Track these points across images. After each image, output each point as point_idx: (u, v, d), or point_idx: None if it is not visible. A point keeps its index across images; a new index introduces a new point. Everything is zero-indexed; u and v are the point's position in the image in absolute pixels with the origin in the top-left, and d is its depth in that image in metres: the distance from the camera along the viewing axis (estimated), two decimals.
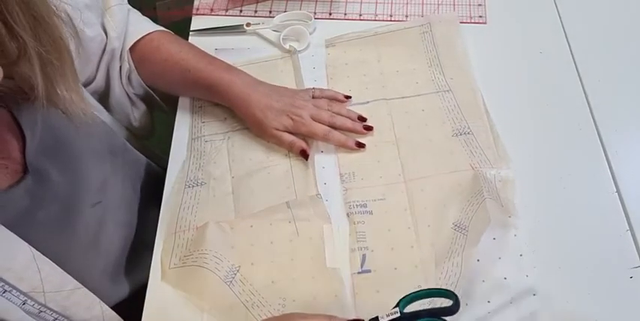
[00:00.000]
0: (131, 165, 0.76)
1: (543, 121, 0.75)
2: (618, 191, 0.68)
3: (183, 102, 0.81)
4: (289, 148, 0.73)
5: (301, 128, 0.72)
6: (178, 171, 0.75)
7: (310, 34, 0.85)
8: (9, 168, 0.54)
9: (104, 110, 0.75)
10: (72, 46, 0.53)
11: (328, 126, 0.73)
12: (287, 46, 0.84)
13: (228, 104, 0.76)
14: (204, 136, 0.77)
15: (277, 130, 0.72)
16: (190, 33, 0.87)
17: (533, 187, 0.69)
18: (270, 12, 0.89)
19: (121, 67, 0.76)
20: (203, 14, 0.89)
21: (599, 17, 0.84)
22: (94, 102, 0.71)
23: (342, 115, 0.74)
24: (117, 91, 0.77)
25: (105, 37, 0.72)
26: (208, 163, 0.75)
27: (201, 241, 0.67)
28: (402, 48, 0.82)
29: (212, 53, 0.84)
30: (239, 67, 0.77)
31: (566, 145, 0.73)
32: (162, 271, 0.67)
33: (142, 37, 0.75)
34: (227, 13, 0.89)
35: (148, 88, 0.80)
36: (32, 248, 0.54)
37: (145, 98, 0.82)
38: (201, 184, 0.73)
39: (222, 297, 0.64)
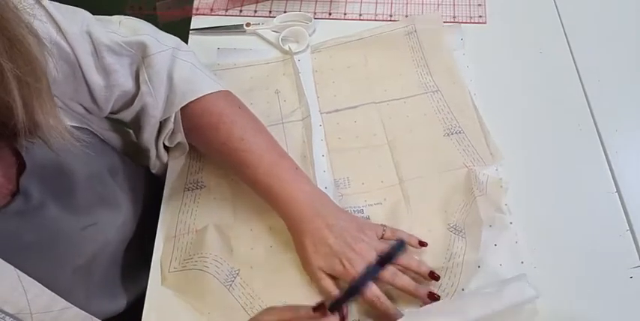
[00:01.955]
0: (132, 177, 0.72)
1: (543, 121, 0.75)
2: (618, 191, 0.68)
3: None
4: (321, 294, 0.63)
5: (348, 278, 0.59)
6: (177, 174, 0.75)
7: (310, 35, 0.85)
8: None
9: (104, 121, 0.70)
10: (50, 65, 0.50)
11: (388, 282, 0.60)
12: (286, 47, 0.83)
13: (280, 216, 0.65)
14: None
15: (321, 270, 0.61)
16: (190, 32, 0.87)
17: (533, 187, 0.69)
18: (270, 12, 0.89)
19: (162, 127, 0.67)
20: (203, 14, 0.89)
21: (599, 17, 0.84)
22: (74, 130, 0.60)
23: (410, 269, 0.61)
24: (144, 138, 0.69)
25: (133, 89, 0.64)
26: (208, 166, 0.74)
27: (201, 244, 0.67)
28: (388, 50, 0.82)
29: (214, 53, 0.84)
30: (239, 68, 0.76)
31: (566, 145, 0.72)
32: (162, 275, 0.67)
33: (206, 100, 0.65)
34: (227, 13, 0.89)
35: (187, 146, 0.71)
36: (17, 270, 0.52)
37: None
38: (201, 187, 0.73)
39: (223, 300, 0.64)
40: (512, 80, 0.78)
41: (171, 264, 0.67)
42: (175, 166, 0.76)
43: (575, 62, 0.79)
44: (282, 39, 0.84)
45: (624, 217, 0.66)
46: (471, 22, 0.85)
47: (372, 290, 0.59)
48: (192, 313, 0.64)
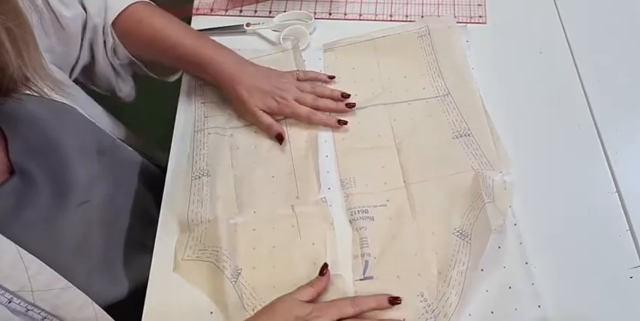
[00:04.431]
0: (121, 164, 0.76)
1: (543, 121, 0.75)
2: (618, 191, 0.69)
3: (184, 98, 0.81)
4: (266, 130, 0.75)
5: (285, 110, 0.75)
6: (183, 164, 0.75)
7: (310, 34, 0.85)
8: None
9: (96, 106, 0.76)
10: (33, 20, 0.54)
11: (312, 108, 0.75)
12: (287, 46, 0.83)
13: (214, 82, 0.77)
14: (207, 128, 0.77)
15: (261, 111, 0.74)
16: None
17: (533, 187, 0.69)
18: (270, 12, 0.89)
19: (105, 41, 0.76)
20: (203, 14, 0.89)
21: (599, 17, 0.84)
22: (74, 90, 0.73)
23: (325, 96, 0.76)
24: (101, 63, 0.77)
25: (85, 14, 0.72)
26: (213, 155, 0.75)
27: (214, 237, 0.67)
28: (400, 52, 0.82)
29: None
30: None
31: (566, 145, 0.73)
32: (175, 261, 0.68)
33: (123, 11, 0.75)
34: (227, 13, 0.89)
35: (134, 59, 0.79)
36: (18, 247, 0.54)
37: (130, 67, 0.82)
38: (207, 175, 0.73)
39: (229, 297, 0.64)
40: (512, 80, 0.79)
41: (186, 252, 0.68)
42: (176, 159, 0.76)
43: (575, 62, 0.79)
44: (283, 38, 0.84)
45: (624, 217, 0.67)
46: (471, 22, 0.85)
47: (304, 110, 0.75)
48: (193, 309, 0.64)
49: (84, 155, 0.66)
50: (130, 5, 0.75)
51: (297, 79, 0.78)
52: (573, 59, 0.80)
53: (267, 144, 0.75)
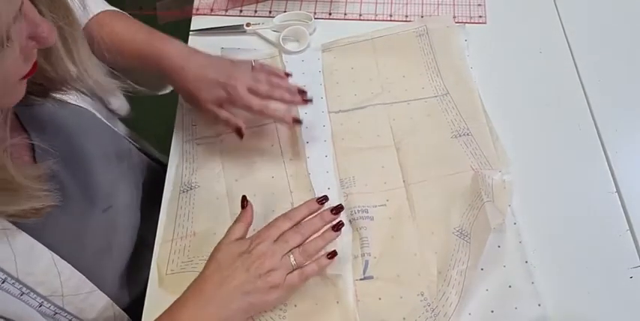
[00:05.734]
0: (136, 168, 0.76)
1: (543, 121, 0.75)
2: (618, 191, 0.68)
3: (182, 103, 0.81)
4: (225, 125, 0.70)
5: (236, 101, 0.68)
6: (174, 176, 0.75)
7: (310, 34, 0.85)
8: None
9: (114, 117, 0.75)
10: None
11: (266, 98, 0.69)
12: (287, 47, 0.83)
13: (163, 77, 0.72)
14: (196, 139, 0.77)
15: (213, 104, 0.68)
16: (190, 33, 0.87)
17: (533, 187, 0.69)
18: (270, 12, 0.89)
19: None
20: (203, 14, 0.89)
21: (599, 17, 0.84)
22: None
23: (281, 89, 0.70)
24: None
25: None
26: (202, 166, 0.74)
27: (202, 247, 0.67)
28: (399, 52, 0.82)
29: (217, 52, 0.84)
30: None
31: (566, 145, 0.73)
32: (159, 277, 0.67)
33: (91, 19, 0.73)
34: (227, 13, 0.89)
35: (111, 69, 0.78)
36: (52, 253, 0.54)
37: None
38: (195, 188, 0.73)
39: None
40: (512, 80, 0.79)
41: (169, 266, 0.67)
42: (174, 167, 0.76)
43: (575, 62, 0.79)
44: (282, 38, 0.84)
45: (624, 217, 0.67)
46: (470, 22, 0.85)
47: (256, 101, 0.67)
48: None
49: (106, 160, 0.67)
50: (96, 14, 0.74)
51: (253, 70, 0.71)
52: (573, 59, 0.80)
53: (259, 148, 0.75)
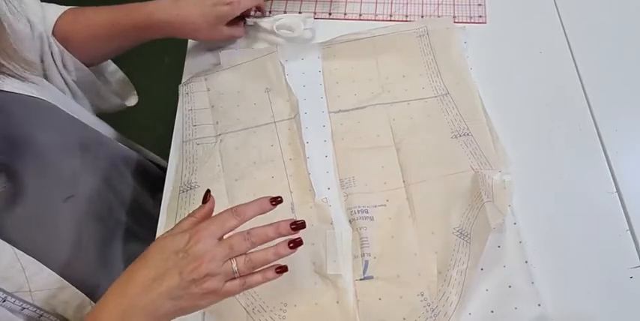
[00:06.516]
0: (110, 159, 0.75)
1: (543, 121, 0.75)
2: (618, 191, 0.68)
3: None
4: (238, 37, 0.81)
5: (236, 9, 0.77)
6: (173, 176, 0.75)
7: (305, 29, 0.84)
8: None
9: (75, 104, 0.76)
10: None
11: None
12: (281, 33, 0.83)
13: (167, 32, 0.77)
14: (196, 139, 0.77)
15: (221, 24, 0.77)
16: None
17: (533, 187, 0.69)
18: (270, 12, 0.89)
19: (52, 52, 0.75)
20: None
21: (599, 17, 0.84)
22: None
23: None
24: (56, 81, 0.76)
25: (29, 24, 0.72)
26: (202, 166, 0.74)
27: None
28: (399, 52, 0.82)
29: (216, 52, 0.84)
30: (238, 66, 0.77)
31: (566, 146, 0.73)
32: None
33: (59, 19, 0.75)
34: None
35: (85, 68, 0.79)
36: (14, 247, 0.53)
37: (86, 82, 0.81)
38: (195, 188, 0.73)
39: (225, 300, 0.63)
40: (512, 80, 0.78)
41: None
42: (171, 169, 0.76)
43: (575, 62, 0.79)
44: (276, 26, 0.83)
45: (624, 217, 0.67)
46: (471, 22, 0.85)
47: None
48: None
49: (65, 150, 0.66)
50: (60, 17, 0.75)
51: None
52: (573, 59, 0.80)
53: (258, 148, 0.75)
